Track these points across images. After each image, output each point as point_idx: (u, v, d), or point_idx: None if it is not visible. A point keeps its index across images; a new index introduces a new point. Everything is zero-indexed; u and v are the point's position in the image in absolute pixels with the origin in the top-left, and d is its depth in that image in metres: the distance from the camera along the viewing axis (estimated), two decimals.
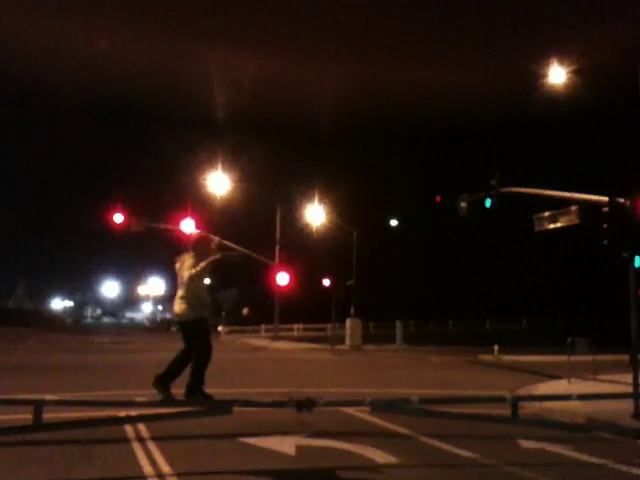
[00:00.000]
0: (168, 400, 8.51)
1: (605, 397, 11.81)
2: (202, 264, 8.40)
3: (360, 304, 37.73)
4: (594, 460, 8.25)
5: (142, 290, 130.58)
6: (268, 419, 10.33)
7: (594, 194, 16.25)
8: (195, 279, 8.41)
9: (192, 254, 8.61)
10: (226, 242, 33.45)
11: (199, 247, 8.73)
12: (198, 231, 9.30)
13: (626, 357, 13.11)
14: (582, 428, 10.36)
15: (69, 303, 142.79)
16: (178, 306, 8.54)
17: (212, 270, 8.53)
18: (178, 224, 33.03)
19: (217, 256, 8.57)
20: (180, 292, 8.53)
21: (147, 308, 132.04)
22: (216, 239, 9.15)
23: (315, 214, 40.82)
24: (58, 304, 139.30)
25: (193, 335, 8.56)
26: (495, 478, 7.39)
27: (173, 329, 78.21)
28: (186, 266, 8.48)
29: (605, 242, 11.67)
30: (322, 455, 8.28)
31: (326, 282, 37.15)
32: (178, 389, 8.66)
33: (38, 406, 7.80)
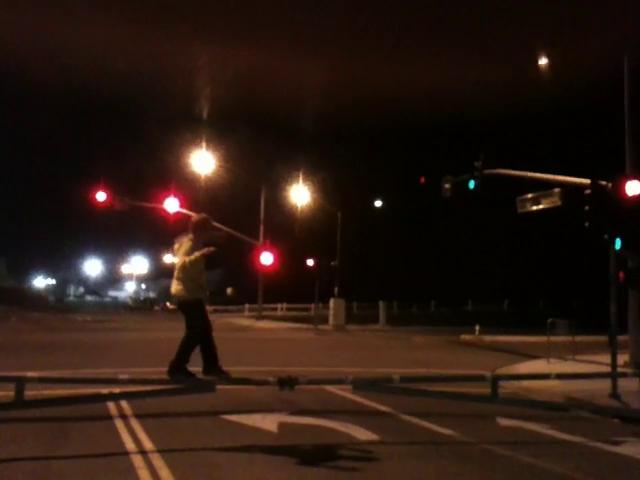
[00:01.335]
0: (227, 379, 8.49)
1: (583, 377, 12.02)
2: (196, 254, 8.32)
3: (344, 285, 37.88)
4: (571, 438, 8.41)
5: (125, 269, 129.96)
6: (251, 397, 10.39)
7: (577, 177, 16.37)
8: (188, 267, 8.38)
9: (191, 236, 8.54)
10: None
11: (199, 229, 8.64)
12: (200, 213, 9.15)
13: (605, 338, 13.35)
14: (560, 407, 10.54)
15: (51, 281, 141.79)
16: (175, 287, 8.51)
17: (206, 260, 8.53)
18: (162, 203, 32.88)
19: (211, 249, 8.52)
20: (176, 273, 8.50)
21: (130, 287, 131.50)
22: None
23: (300, 195, 40.77)
24: (40, 282, 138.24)
25: (188, 316, 8.53)
26: (474, 455, 7.51)
27: (157, 308, 78.20)
28: (182, 250, 8.43)
29: (587, 224, 11.78)
30: (304, 432, 8.35)
31: (310, 262, 37.22)
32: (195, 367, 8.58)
33: (20, 383, 7.78)
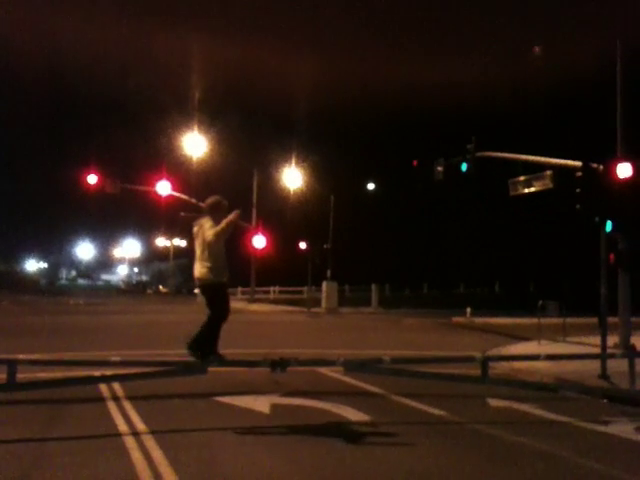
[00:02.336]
0: (221, 361, 8.53)
1: (573, 358, 12.12)
2: (224, 222, 8.35)
3: (336, 268, 37.95)
4: (560, 418, 8.51)
5: (117, 252, 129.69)
6: (243, 379, 10.44)
7: (569, 160, 16.40)
8: (221, 236, 8.35)
9: (209, 217, 8.56)
10: (202, 204, 33.28)
11: (215, 210, 8.63)
12: (214, 196, 9.11)
13: (595, 320, 13.44)
14: (550, 387, 10.64)
15: (43, 265, 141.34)
16: (199, 270, 8.45)
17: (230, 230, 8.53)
18: (153, 186, 32.73)
19: (236, 214, 8.51)
20: (202, 255, 8.43)
21: (122, 270, 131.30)
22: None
23: (292, 178, 40.67)
24: (32, 266, 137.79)
25: (213, 298, 8.52)
26: (464, 435, 7.59)
27: (149, 291, 78.23)
28: (207, 226, 8.41)
29: (578, 207, 11.81)
30: (296, 413, 8.42)
31: (303, 245, 37.24)
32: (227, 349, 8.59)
33: (11, 365, 7.80)
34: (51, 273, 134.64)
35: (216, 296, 8.53)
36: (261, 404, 8.73)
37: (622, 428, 7.98)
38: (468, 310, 28.44)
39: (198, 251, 8.52)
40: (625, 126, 15.71)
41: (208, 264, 8.38)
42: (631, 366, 10.12)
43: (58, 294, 61.66)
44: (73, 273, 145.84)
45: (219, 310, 8.54)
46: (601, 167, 11.93)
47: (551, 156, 17.43)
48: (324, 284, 36.72)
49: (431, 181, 21.48)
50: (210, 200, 8.78)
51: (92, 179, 30.33)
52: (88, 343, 15.93)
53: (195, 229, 8.64)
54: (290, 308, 37.64)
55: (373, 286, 39.64)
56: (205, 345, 8.42)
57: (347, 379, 10.77)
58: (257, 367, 9.00)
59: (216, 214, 8.60)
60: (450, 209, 68.55)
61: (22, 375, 8.14)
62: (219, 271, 8.45)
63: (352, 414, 8.32)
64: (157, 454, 6.39)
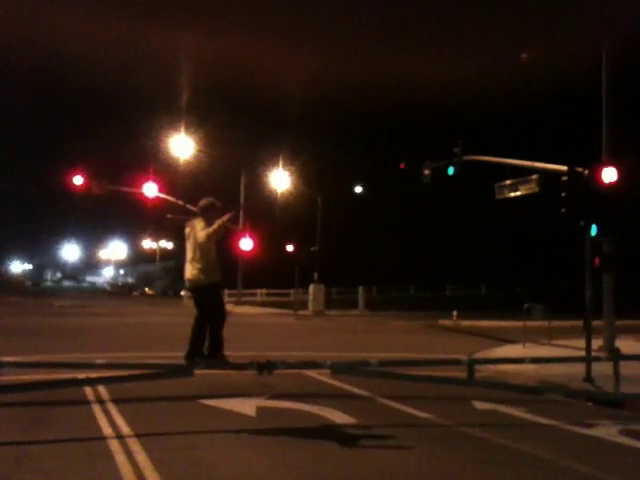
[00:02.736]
0: (208, 364, 8.53)
1: (557, 361, 12.20)
2: (217, 223, 8.34)
3: (323, 270, 37.93)
4: (545, 421, 8.55)
5: (103, 254, 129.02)
6: (229, 382, 10.40)
7: (555, 164, 16.50)
8: (213, 237, 8.33)
9: (201, 219, 8.54)
10: (190, 207, 33.17)
11: (208, 212, 8.61)
12: (207, 198, 9.08)
13: (581, 323, 13.53)
14: (535, 390, 10.69)
15: (28, 266, 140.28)
16: (191, 271, 8.41)
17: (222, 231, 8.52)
18: (140, 187, 32.57)
19: (229, 214, 8.50)
20: (193, 256, 8.40)
21: (108, 272, 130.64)
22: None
23: (280, 180, 40.62)
24: (17, 267, 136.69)
25: (207, 300, 8.50)
26: (450, 438, 7.60)
27: (135, 293, 77.82)
28: (199, 228, 8.39)
29: (563, 210, 11.90)
30: (282, 416, 8.40)
31: (290, 248, 37.19)
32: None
33: None
34: (36, 275, 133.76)
35: (209, 297, 8.52)
36: (248, 407, 8.70)
37: (606, 431, 8.03)
38: (454, 313, 28.52)
39: (190, 252, 8.49)
40: (610, 131, 15.86)
41: (199, 265, 8.36)
42: (616, 369, 10.19)
43: (43, 296, 61.18)
44: (58, 275, 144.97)
45: (216, 312, 8.56)
46: (586, 171, 12.03)
47: (538, 160, 17.53)
48: (311, 286, 36.69)
49: (418, 184, 21.55)
50: (203, 202, 8.76)
51: (78, 180, 30.12)
52: (73, 345, 15.81)
53: (187, 230, 8.61)
54: (277, 310, 37.58)
55: (360, 288, 39.67)
56: (216, 348, 8.45)
57: (334, 382, 10.77)
58: (244, 370, 8.96)
59: (209, 216, 8.58)
60: (437, 211, 68.86)
61: (5, 377, 8.06)
62: (211, 272, 8.43)
63: (339, 417, 8.31)
64: (142, 457, 6.35)
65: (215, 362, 8.52)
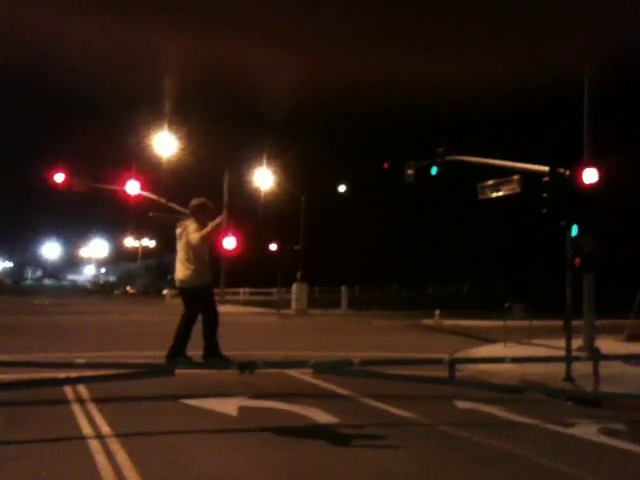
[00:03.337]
0: (189, 363, 8.53)
1: (538, 360, 12.29)
2: (210, 225, 8.34)
3: (307, 269, 37.93)
4: (525, 420, 8.61)
5: (84, 252, 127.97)
6: (211, 381, 10.35)
7: (537, 164, 16.62)
8: (206, 240, 8.32)
9: (193, 219, 8.49)
10: (173, 205, 32.97)
11: (200, 212, 8.58)
12: (199, 198, 9.05)
13: (561, 322, 13.66)
14: (516, 389, 10.77)
15: (8, 264, 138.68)
16: (183, 272, 8.36)
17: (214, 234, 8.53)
18: (122, 185, 32.30)
19: (221, 217, 8.52)
20: (185, 256, 8.36)
21: (89, 270, 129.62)
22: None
23: (263, 178, 40.55)
24: None
25: (200, 301, 8.48)
26: (432, 437, 7.63)
27: (116, 292, 77.27)
28: (191, 229, 8.35)
29: (544, 211, 11.99)
30: (264, 415, 8.37)
31: (273, 247, 37.14)
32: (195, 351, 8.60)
33: None
34: (16, 273, 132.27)
35: (201, 298, 8.51)
36: (229, 406, 8.67)
37: (586, 430, 8.10)
38: (437, 312, 28.66)
39: (181, 253, 8.46)
40: (592, 133, 16.01)
41: (192, 267, 8.35)
42: (595, 369, 10.30)
43: (23, 294, 60.53)
44: (39, 273, 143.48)
45: (212, 312, 8.55)
46: (568, 172, 12.14)
47: (521, 161, 17.64)
48: (294, 285, 36.67)
49: (402, 183, 21.60)
50: (195, 202, 8.72)
51: (59, 177, 29.79)
52: (53, 344, 15.65)
53: (178, 231, 8.58)
54: (260, 309, 37.51)
55: (343, 288, 39.74)
56: (212, 347, 8.46)
57: (316, 381, 10.76)
58: (225, 369, 8.93)
59: (201, 216, 8.57)
60: (421, 211, 69.11)
61: None
62: (202, 274, 8.44)
63: (321, 416, 8.31)
64: (122, 457, 6.30)
65: (216, 361, 8.53)
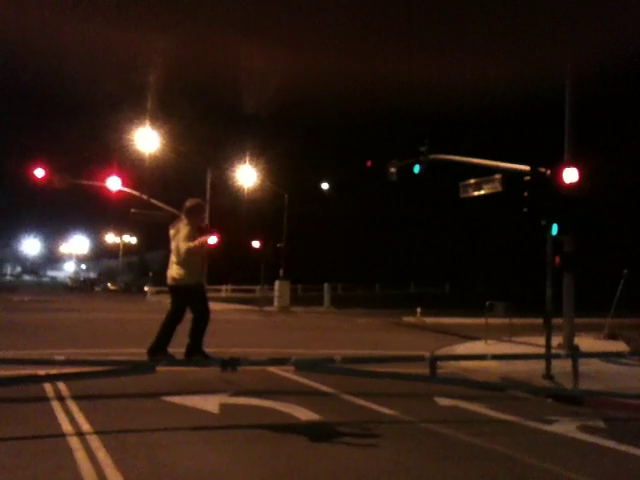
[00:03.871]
0: (170, 360, 8.48)
1: (518, 358, 12.40)
2: (199, 240, 8.40)
3: (289, 266, 37.89)
4: (506, 417, 8.68)
5: (65, 248, 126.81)
6: (192, 378, 10.32)
7: (518, 164, 16.73)
8: (192, 254, 8.36)
9: (187, 222, 8.53)
10: (155, 202, 32.77)
11: (192, 214, 8.64)
12: (193, 199, 9.07)
13: (541, 320, 13.77)
14: (496, 387, 10.85)
15: None
16: (176, 271, 8.39)
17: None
18: (104, 181, 32.05)
19: (210, 235, 8.58)
20: (177, 258, 8.42)
21: (70, 267, 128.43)
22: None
23: (247, 176, 40.43)
24: None
25: (190, 300, 8.52)
26: (413, 434, 7.66)
27: (97, 289, 76.65)
28: (182, 236, 8.39)
29: (525, 210, 12.09)
30: (246, 413, 8.36)
31: (256, 244, 37.05)
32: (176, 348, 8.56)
33: None
34: None
35: (191, 298, 8.54)
36: (210, 404, 8.64)
37: (565, 427, 8.19)
38: (418, 310, 28.79)
39: (174, 254, 8.51)
40: (572, 133, 16.16)
41: (185, 267, 8.39)
42: (574, 366, 10.40)
43: (2, 290, 59.81)
44: (18, 269, 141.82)
45: (203, 311, 8.59)
46: (549, 172, 12.24)
47: (503, 161, 17.74)
48: (276, 283, 36.62)
49: (385, 182, 21.62)
50: (189, 203, 8.76)
51: (39, 173, 29.49)
52: (32, 341, 15.48)
53: (172, 232, 8.62)
54: (242, 307, 37.43)
55: (325, 285, 39.75)
56: (195, 345, 8.48)
57: (298, 378, 10.76)
58: (207, 366, 8.90)
59: (194, 217, 8.66)
60: (403, 210, 69.36)
61: None
62: (195, 274, 8.48)
63: (302, 413, 8.31)
64: (102, 454, 6.26)
65: (198, 359, 8.52)
